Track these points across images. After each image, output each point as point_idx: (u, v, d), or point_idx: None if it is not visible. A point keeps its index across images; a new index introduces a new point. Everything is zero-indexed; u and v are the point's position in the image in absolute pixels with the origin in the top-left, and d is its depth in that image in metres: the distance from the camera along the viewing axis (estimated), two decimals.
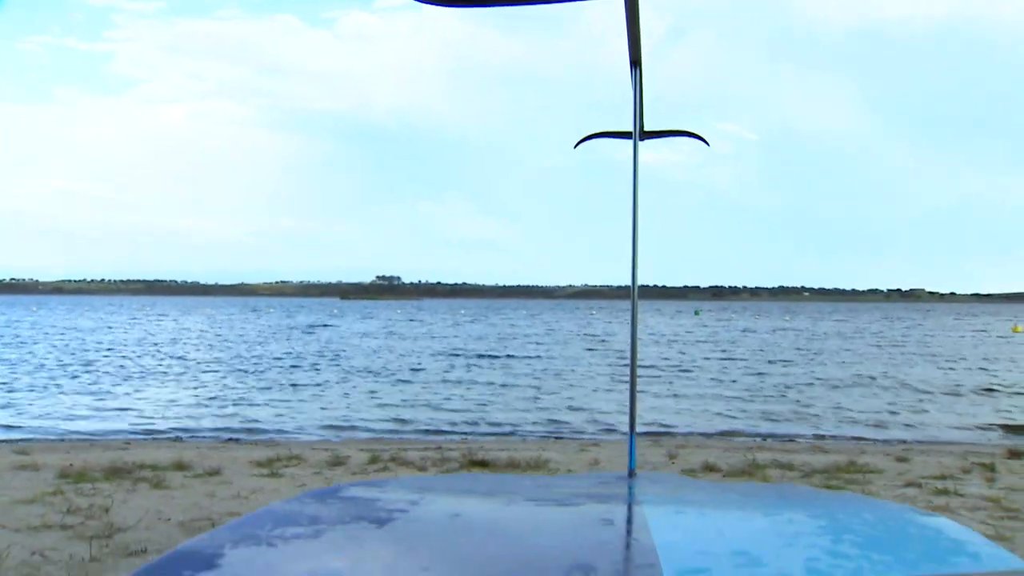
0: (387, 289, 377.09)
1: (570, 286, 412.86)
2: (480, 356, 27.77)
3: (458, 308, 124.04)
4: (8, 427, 12.24)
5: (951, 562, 1.39)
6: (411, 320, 66.53)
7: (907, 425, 13.29)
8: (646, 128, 2.98)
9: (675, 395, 17.01)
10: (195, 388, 17.55)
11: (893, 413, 14.65)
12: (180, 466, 7.47)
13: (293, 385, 18.26)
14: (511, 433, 12.28)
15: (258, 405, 14.93)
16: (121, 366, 22.26)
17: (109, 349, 29.12)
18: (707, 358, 27.78)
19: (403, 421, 13.23)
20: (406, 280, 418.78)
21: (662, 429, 12.42)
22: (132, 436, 11.36)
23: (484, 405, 15.31)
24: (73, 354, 26.44)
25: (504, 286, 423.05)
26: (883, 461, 8.48)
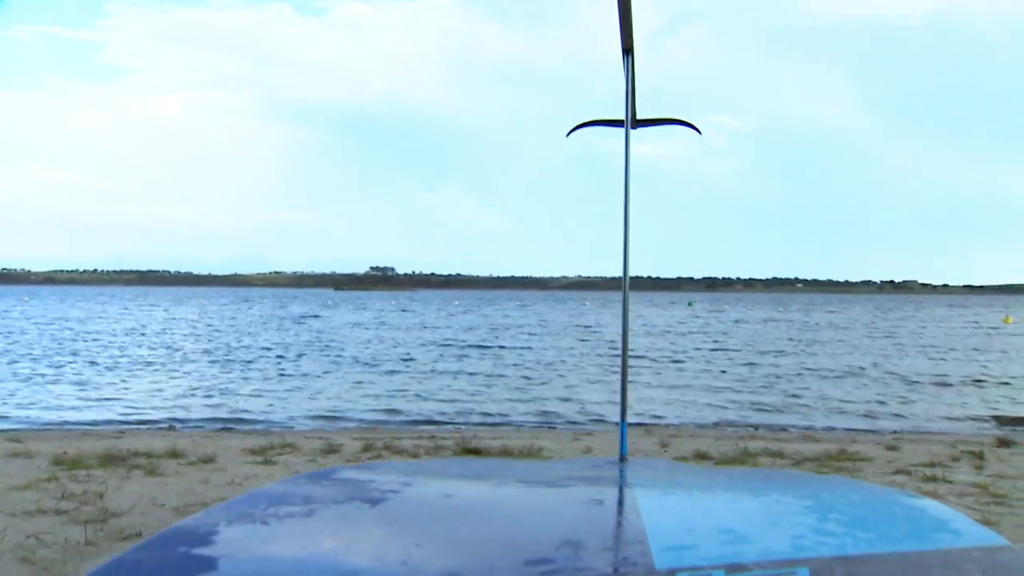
0: (381, 280, 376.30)
1: (564, 277, 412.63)
2: (472, 347, 27.80)
3: (452, 299, 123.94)
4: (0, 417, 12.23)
5: (934, 539, 1.42)
6: (403, 311, 66.49)
7: (897, 415, 13.37)
8: (638, 116, 2.99)
9: (667, 386, 17.05)
10: (186, 378, 17.54)
11: (883, 404, 14.73)
12: (174, 454, 7.49)
13: (284, 375, 18.26)
14: (505, 423, 12.30)
15: (249, 395, 14.93)
16: (111, 356, 22.23)
17: (99, 339, 29.06)
18: (699, 348, 27.85)
19: (395, 411, 13.25)
20: (400, 271, 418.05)
21: (654, 420, 12.46)
22: (124, 426, 11.35)
23: (476, 395, 15.33)
24: (61, 344, 26.37)
25: (498, 277, 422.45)
26: (873, 449, 8.55)
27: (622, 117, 2.83)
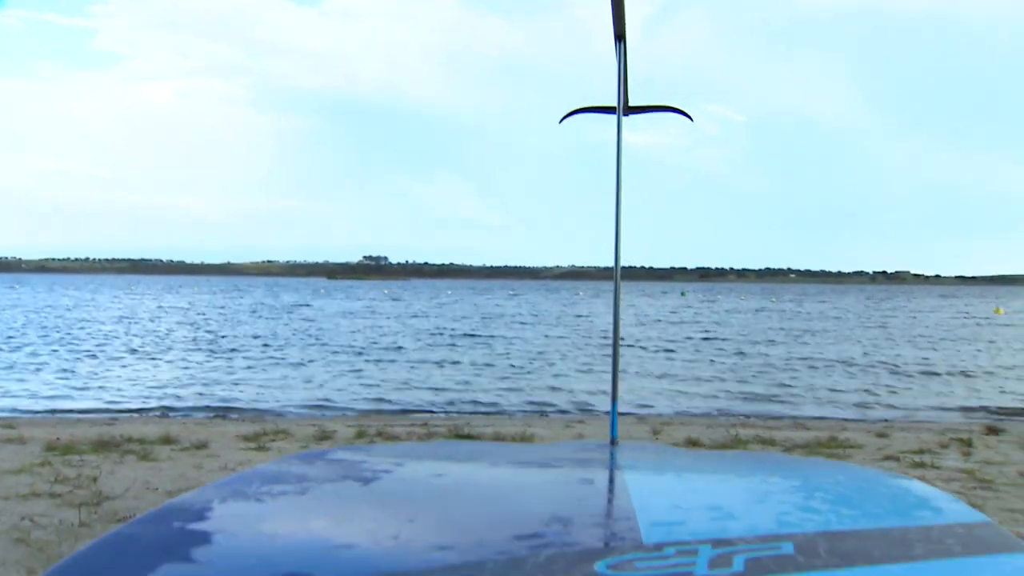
0: (374, 269, 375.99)
1: (557, 267, 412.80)
2: (464, 336, 27.78)
3: (444, 288, 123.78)
4: None
5: (917, 516, 1.44)
6: (395, 300, 66.39)
7: (888, 405, 13.42)
8: (631, 103, 3.00)
9: (659, 375, 17.08)
10: (178, 367, 17.49)
11: (874, 393, 14.78)
12: (167, 440, 7.50)
13: (274, 364, 18.19)
14: (497, 412, 12.31)
15: (240, 384, 14.86)
16: (100, 345, 22.12)
17: (88, 328, 28.94)
18: (690, 338, 27.88)
19: (387, 400, 13.23)
20: (393, 260, 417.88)
21: (645, 409, 12.48)
22: (117, 414, 11.33)
23: (468, 384, 15.30)
24: (47, 333, 26.23)
25: (491, 267, 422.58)
26: (863, 437, 8.61)
27: (614, 104, 2.84)
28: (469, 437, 8.03)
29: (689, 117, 3.44)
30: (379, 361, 19.19)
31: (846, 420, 11.54)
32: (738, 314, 47.75)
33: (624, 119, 2.85)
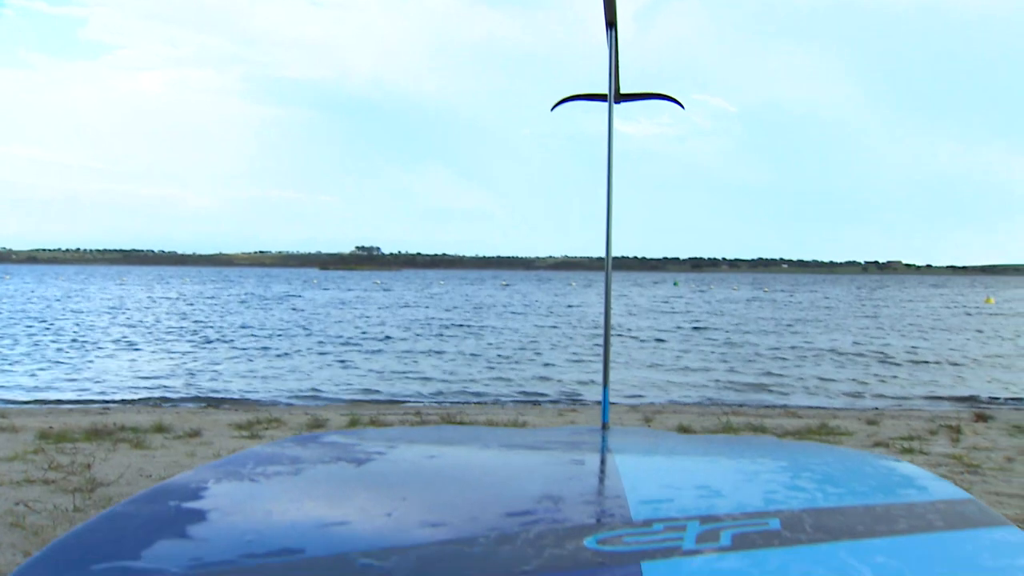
0: (366, 259, 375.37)
1: (550, 257, 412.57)
2: (456, 326, 27.76)
3: (437, 278, 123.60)
4: None
5: (900, 493, 1.46)
6: (387, 291, 66.29)
7: (878, 395, 13.49)
8: (622, 91, 3.01)
9: (650, 365, 17.12)
10: (167, 357, 17.44)
11: (865, 382, 14.86)
12: (160, 428, 7.51)
13: (265, 355, 18.15)
14: (490, 402, 12.32)
15: (231, 374, 14.84)
16: (89, 336, 22.05)
17: (78, 319, 28.82)
18: (682, 328, 27.95)
19: (378, 390, 13.22)
20: (386, 251, 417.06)
21: (638, 398, 12.52)
22: (109, 404, 11.30)
23: (460, 374, 15.31)
24: (37, 323, 26.12)
25: (484, 257, 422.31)
26: (853, 424, 8.67)
27: (606, 92, 2.85)
28: (462, 424, 8.05)
29: (680, 105, 3.45)
30: (370, 351, 19.16)
31: (837, 408, 11.60)
32: (730, 304, 47.84)
33: (616, 107, 2.86)
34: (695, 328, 27.78)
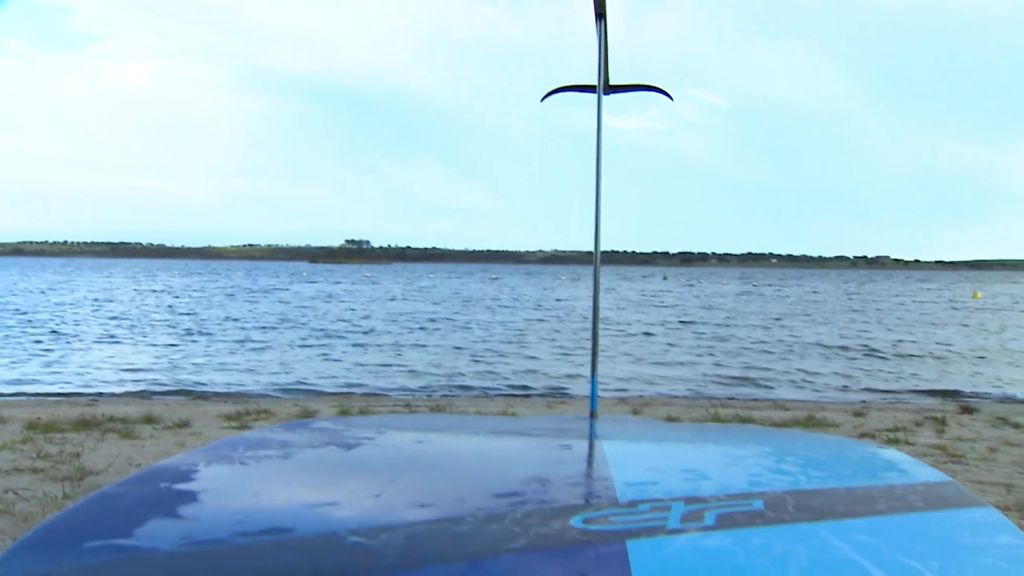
0: (356, 253, 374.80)
1: (540, 251, 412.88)
2: (444, 319, 27.75)
3: (426, 272, 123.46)
4: None
5: (882, 476, 1.49)
6: (376, 284, 66.18)
7: (865, 388, 13.57)
8: (611, 82, 3.02)
9: (639, 359, 17.16)
10: (154, 350, 17.35)
11: (852, 376, 14.94)
12: (149, 419, 7.50)
13: (251, 348, 18.06)
14: (479, 396, 12.33)
15: (217, 367, 14.76)
16: (75, 328, 21.91)
17: (63, 311, 28.64)
18: (670, 322, 28.03)
19: (366, 383, 13.19)
20: (375, 244, 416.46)
21: (625, 392, 12.56)
22: (96, 396, 11.25)
23: (448, 368, 15.27)
24: (22, 316, 25.95)
25: (474, 251, 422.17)
26: (840, 416, 8.74)
27: (595, 82, 2.86)
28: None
29: (669, 96, 3.46)
30: (358, 345, 19.10)
31: (824, 401, 11.67)
32: (719, 298, 47.99)
33: (605, 98, 2.88)
34: (683, 322, 27.85)
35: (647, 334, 22.87)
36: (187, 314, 28.04)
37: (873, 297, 52.78)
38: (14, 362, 14.93)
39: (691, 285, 74.46)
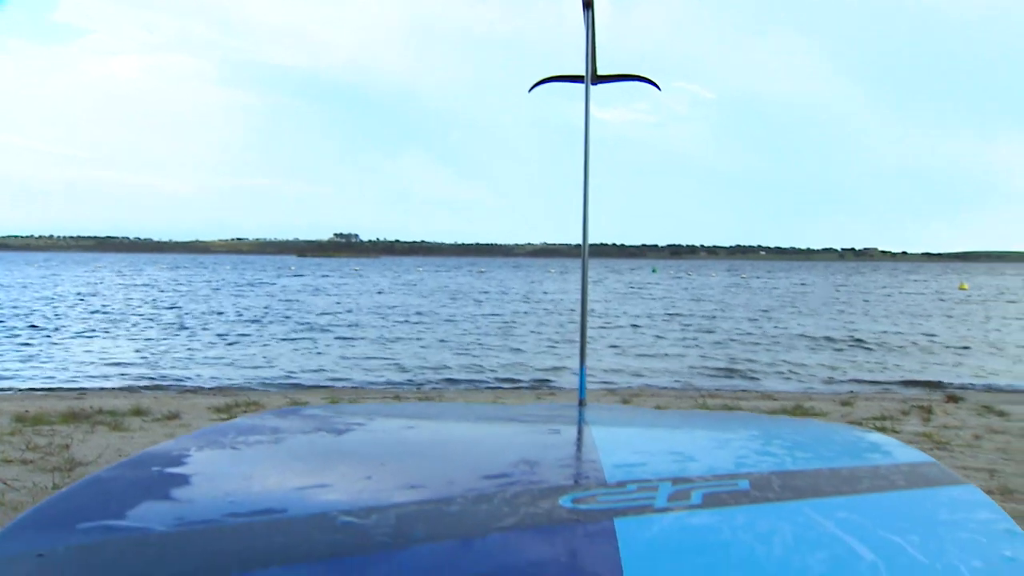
0: (345, 247, 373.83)
1: (529, 244, 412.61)
2: (432, 313, 27.73)
3: (415, 266, 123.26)
4: None
5: (866, 457, 1.52)
6: (364, 278, 66.05)
7: (853, 379, 13.65)
8: (599, 72, 3.03)
9: (627, 350, 17.21)
10: (140, 343, 17.27)
11: (839, 367, 15.03)
12: (138, 411, 7.49)
13: (239, 341, 17.99)
14: (468, 390, 12.32)
15: (205, 360, 14.71)
16: (59, 322, 21.77)
17: (49, 306, 28.45)
18: (658, 314, 28.09)
19: (355, 377, 13.15)
20: (364, 238, 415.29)
21: (614, 384, 12.57)
22: (83, 390, 11.19)
23: (437, 360, 15.25)
24: (6, 311, 25.77)
25: (463, 244, 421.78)
26: (828, 406, 8.81)
27: (582, 72, 2.87)
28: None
29: (657, 86, 3.47)
30: (345, 338, 19.07)
31: (811, 392, 11.74)
32: (707, 290, 48.15)
33: (593, 89, 2.88)
34: (672, 314, 27.93)
35: (635, 326, 22.92)
36: (174, 308, 27.92)
37: (860, 289, 53.03)
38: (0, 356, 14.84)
39: (679, 277, 74.67)
